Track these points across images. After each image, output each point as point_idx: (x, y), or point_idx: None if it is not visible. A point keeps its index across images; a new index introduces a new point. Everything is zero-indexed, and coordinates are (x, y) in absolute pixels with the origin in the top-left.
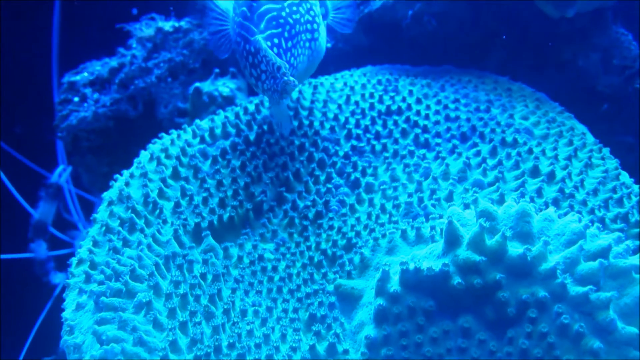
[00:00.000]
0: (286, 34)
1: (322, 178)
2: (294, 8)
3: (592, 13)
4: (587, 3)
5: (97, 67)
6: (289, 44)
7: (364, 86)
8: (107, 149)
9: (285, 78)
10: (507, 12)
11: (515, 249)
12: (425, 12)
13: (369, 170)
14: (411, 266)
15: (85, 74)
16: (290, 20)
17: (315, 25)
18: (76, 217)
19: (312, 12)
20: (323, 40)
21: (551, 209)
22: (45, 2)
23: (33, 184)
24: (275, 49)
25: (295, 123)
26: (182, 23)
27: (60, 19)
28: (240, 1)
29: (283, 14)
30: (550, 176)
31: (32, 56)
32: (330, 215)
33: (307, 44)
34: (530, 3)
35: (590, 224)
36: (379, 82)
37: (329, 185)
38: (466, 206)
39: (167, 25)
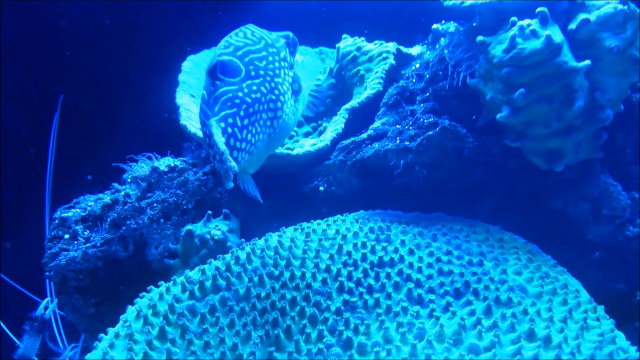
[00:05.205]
0: (242, 113)
1: (314, 336)
2: (254, 87)
3: (581, 164)
4: (575, 156)
5: (90, 203)
6: (245, 121)
7: (356, 235)
8: (94, 289)
9: (225, 165)
10: (496, 163)
11: None
12: (417, 162)
13: (362, 329)
14: None
15: (78, 209)
16: (248, 100)
17: (279, 104)
18: (61, 346)
19: (276, 91)
20: (290, 118)
21: None
22: (45, 131)
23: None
24: (229, 129)
25: (287, 274)
26: (178, 162)
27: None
28: (205, 85)
29: (240, 94)
30: (547, 341)
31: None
32: None
33: (269, 122)
34: (520, 155)
35: None
36: (371, 230)
37: (320, 345)
38: None
39: (163, 165)
